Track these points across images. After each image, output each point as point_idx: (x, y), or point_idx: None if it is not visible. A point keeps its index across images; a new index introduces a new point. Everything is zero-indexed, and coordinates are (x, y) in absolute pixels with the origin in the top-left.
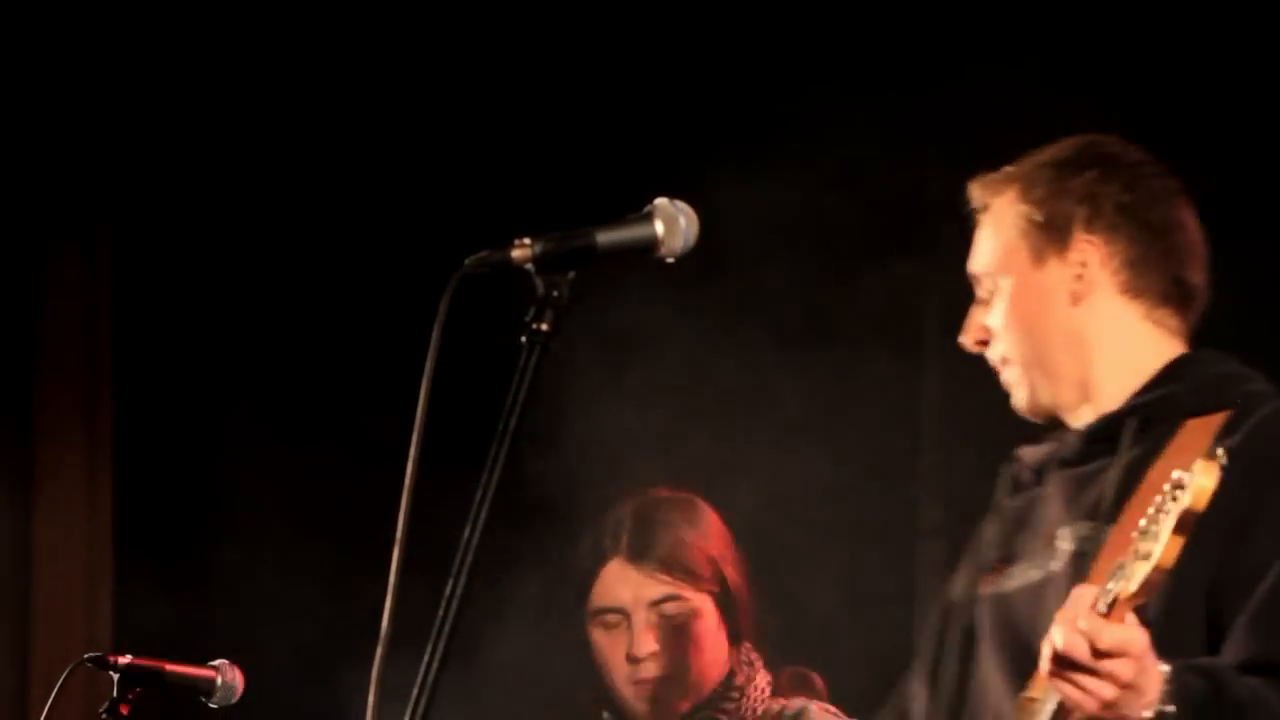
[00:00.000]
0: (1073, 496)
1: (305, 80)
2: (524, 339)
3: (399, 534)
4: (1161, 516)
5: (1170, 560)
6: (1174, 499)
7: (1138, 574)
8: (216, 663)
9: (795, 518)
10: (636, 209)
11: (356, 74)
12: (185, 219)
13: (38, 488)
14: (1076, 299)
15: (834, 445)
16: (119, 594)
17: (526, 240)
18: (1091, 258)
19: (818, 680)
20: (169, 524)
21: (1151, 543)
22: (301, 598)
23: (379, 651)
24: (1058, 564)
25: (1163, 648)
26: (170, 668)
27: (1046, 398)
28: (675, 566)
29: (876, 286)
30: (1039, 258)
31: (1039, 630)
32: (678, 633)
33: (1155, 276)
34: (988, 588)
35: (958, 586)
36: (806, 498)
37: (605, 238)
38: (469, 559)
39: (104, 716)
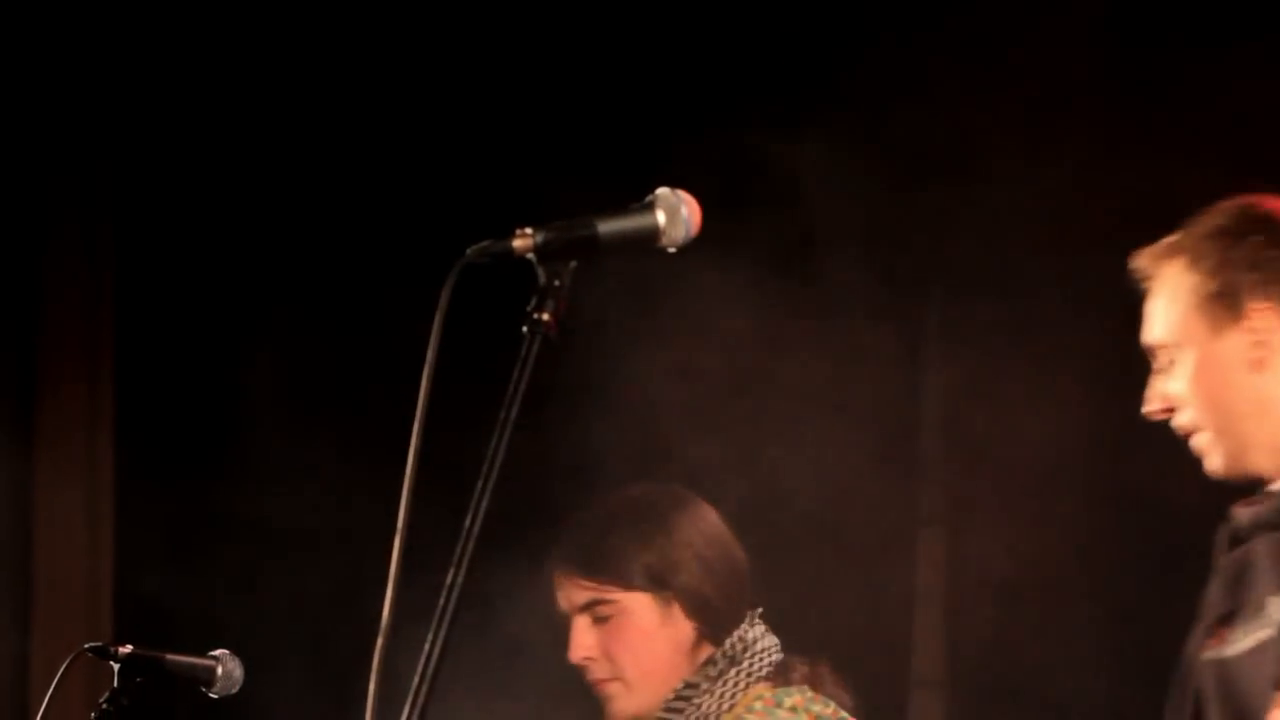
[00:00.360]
0: (1270, 564)
1: (307, 63)
2: (525, 328)
3: (400, 525)
4: None
5: None
6: None
7: None
8: (217, 652)
9: (794, 504)
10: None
11: (359, 57)
12: (187, 197)
13: (39, 451)
14: (1258, 366)
15: (833, 432)
16: (120, 558)
17: (528, 230)
18: (1267, 323)
19: (825, 672)
20: (171, 486)
21: None
22: (307, 556)
23: (379, 642)
24: (1270, 631)
25: None
26: (171, 657)
27: (1242, 464)
28: (598, 570)
29: (878, 274)
30: (1215, 328)
31: (1257, 698)
32: (608, 636)
33: None
34: (1209, 651)
35: (1190, 645)
36: (806, 484)
37: (607, 227)
38: (470, 547)
39: (105, 706)
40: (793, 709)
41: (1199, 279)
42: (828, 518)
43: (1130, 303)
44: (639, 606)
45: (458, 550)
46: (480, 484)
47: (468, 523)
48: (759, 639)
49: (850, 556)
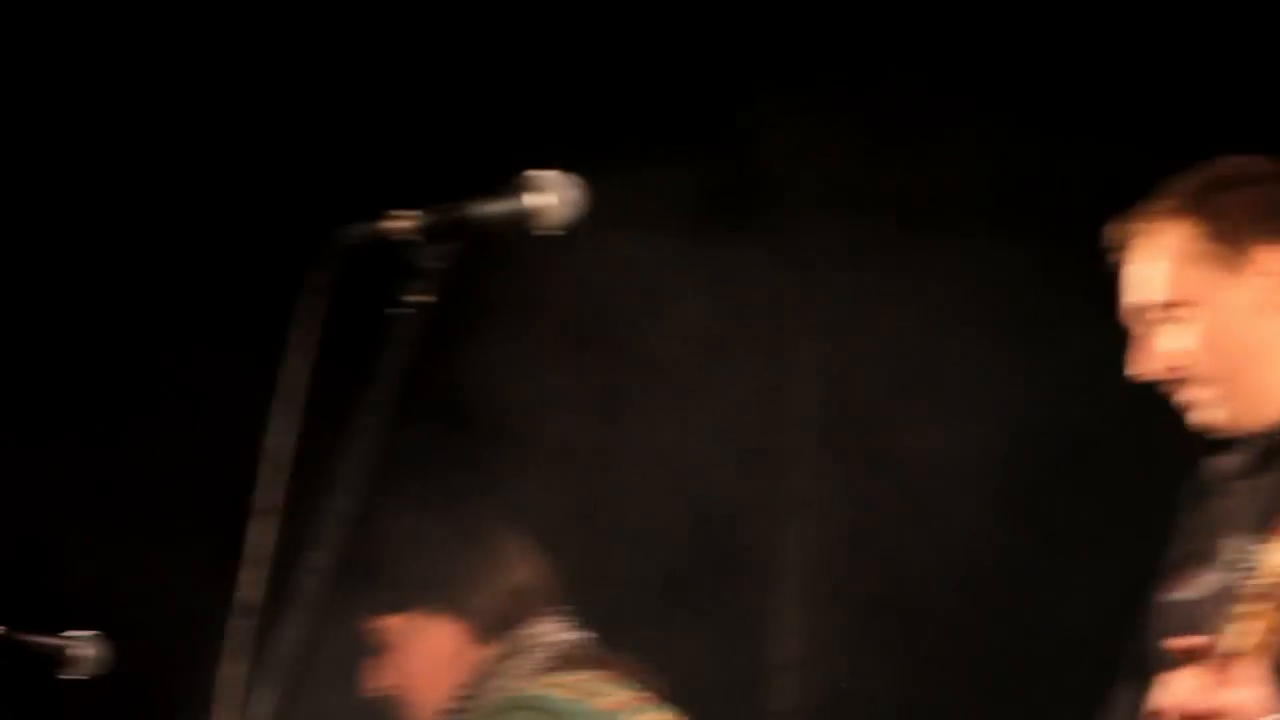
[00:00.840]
0: (1242, 509)
1: (173, 41)
2: (398, 311)
3: (264, 508)
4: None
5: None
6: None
7: (1246, 634)
8: (77, 633)
9: (657, 483)
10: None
11: (227, 33)
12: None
13: None
14: (1263, 311)
15: (701, 409)
16: None
17: (402, 212)
18: (1266, 269)
19: (626, 662)
20: (40, 454)
21: (1257, 604)
22: (183, 528)
23: (242, 622)
24: (1219, 578)
25: None
26: (29, 638)
27: (1253, 416)
28: (372, 602)
29: (756, 247)
30: (1224, 277)
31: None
32: (385, 662)
33: None
34: (1164, 594)
35: (1160, 589)
36: (673, 474)
37: (477, 211)
38: (335, 529)
39: None
40: (547, 685)
41: (1202, 230)
42: (691, 497)
43: (1005, 282)
44: (392, 628)
45: (322, 531)
46: (347, 464)
47: (334, 503)
48: (548, 634)
49: (713, 537)
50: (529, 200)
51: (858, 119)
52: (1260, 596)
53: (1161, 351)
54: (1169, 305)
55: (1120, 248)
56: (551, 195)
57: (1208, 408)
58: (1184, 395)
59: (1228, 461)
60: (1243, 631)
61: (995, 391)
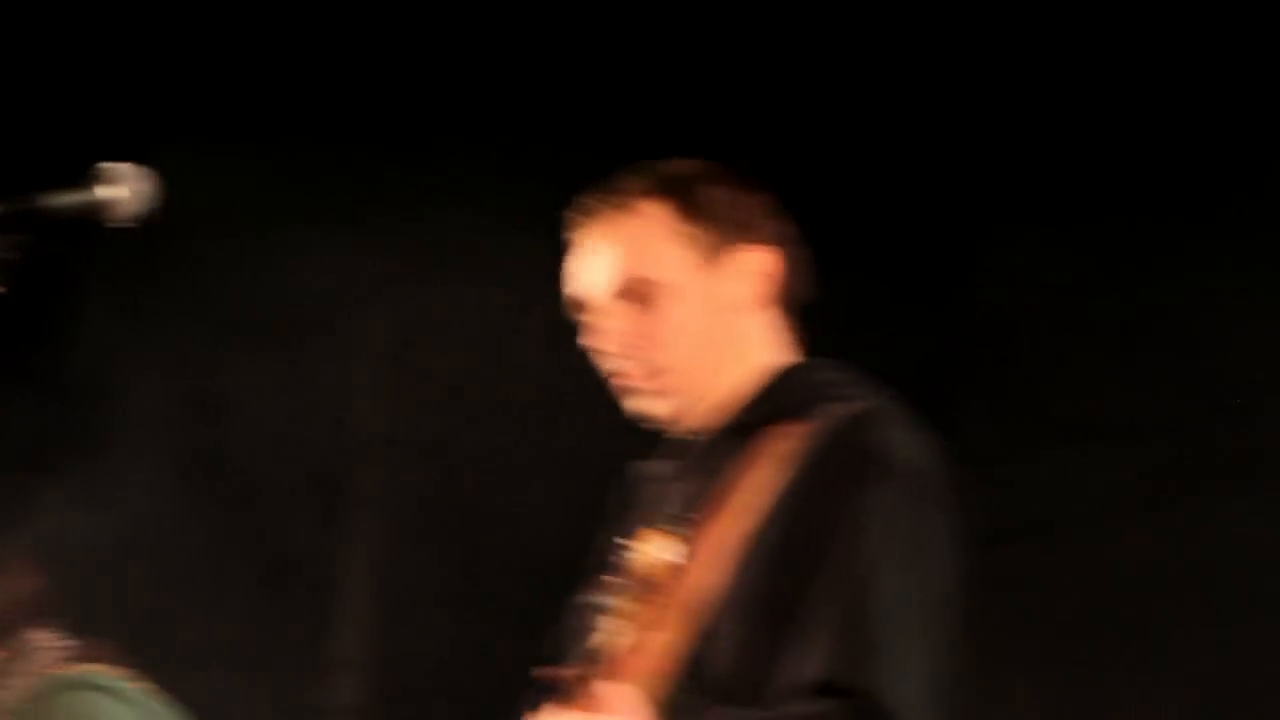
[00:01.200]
0: (660, 509)
1: None
2: None
3: None
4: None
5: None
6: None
7: (619, 633)
8: None
9: (234, 481)
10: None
11: None
12: None
13: None
14: (734, 309)
15: (275, 407)
16: None
17: None
18: (756, 266)
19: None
20: None
21: (630, 600)
22: None
23: None
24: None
25: (739, 685)
26: None
27: (696, 411)
28: None
29: (325, 262)
30: (696, 262)
31: None
32: None
33: (792, 286)
34: (579, 596)
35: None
36: (241, 465)
37: (51, 202)
38: None
39: None
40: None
41: (684, 212)
42: (261, 489)
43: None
44: None
45: None
46: None
47: None
48: (48, 639)
49: (277, 532)
50: (101, 192)
51: (466, 115)
52: (633, 591)
53: (619, 331)
54: (637, 283)
55: (580, 226)
56: (124, 188)
57: (653, 397)
58: (630, 380)
59: (654, 466)
60: (615, 630)
61: (559, 388)
